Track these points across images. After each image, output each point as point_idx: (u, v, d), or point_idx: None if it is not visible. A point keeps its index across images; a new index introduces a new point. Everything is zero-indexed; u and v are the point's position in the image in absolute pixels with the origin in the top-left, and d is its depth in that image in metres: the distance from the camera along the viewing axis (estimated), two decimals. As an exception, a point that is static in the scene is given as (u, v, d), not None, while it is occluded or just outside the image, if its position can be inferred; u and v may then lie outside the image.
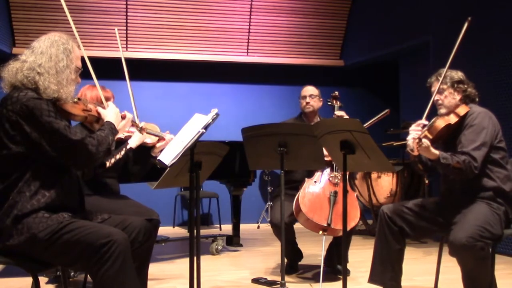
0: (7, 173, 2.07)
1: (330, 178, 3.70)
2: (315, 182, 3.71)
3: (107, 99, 3.13)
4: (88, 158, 2.14)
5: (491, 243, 2.60)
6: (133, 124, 2.80)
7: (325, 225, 3.42)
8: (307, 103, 4.03)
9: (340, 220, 3.45)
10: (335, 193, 3.56)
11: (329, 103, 4.12)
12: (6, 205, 2.05)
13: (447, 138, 2.89)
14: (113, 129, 2.34)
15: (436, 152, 2.70)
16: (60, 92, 2.14)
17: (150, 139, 3.13)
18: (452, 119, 2.82)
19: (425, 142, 2.65)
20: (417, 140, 2.63)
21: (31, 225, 2.02)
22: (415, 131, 2.81)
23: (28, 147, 2.05)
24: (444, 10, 5.54)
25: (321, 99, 4.11)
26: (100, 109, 2.42)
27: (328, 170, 3.74)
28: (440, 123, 2.81)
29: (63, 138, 2.06)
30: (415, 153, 2.69)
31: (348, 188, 3.71)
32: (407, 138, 2.79)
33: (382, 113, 3.91)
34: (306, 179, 3.70)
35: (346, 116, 3.98)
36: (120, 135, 2.78)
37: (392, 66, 7.06)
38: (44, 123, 2.03)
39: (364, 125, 3.84)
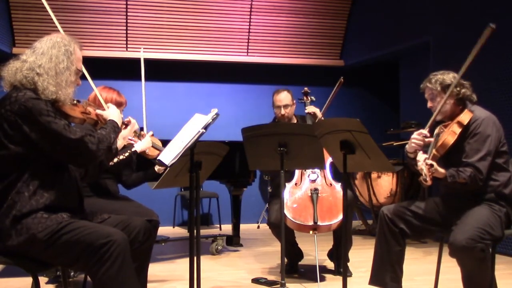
0: (6, 173, 2.07)
1: (308, 176, 3.69)
2: (296, 184, 3.70)
3: (120, 104, 3.13)
4: (89, 156, 2.14)
5: (491, 244, 2.60)
6: (134, 133, 2.80)
7: (312, 224, 3.42)
8: (283, 115, 3.91)
9: (326, 215, 3.47)
10: (316, 190, 3.56)
11: (301, 101, 4.09)
12: (5, 206, 2.04)
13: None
14: (115, 127, 2.35)
15: (443, 171, 2.66)
16: (59, 94, 2.13)
17: (150, 151, 3.13)
18: (457, 130, 2.73)
19: (435, 166, 2.59)
20: (428, 167, 2.53)
21: (30, 226, 2.02)
22: (417, 142, 2.76)
23: (27, 147, 2.05)
24: (444, 10, 5.54)
25: (294, 102, 4.01)
26: (100, 112, 2.42)
27: (307, 170, 3.72)
28: (449, 139, 2.71)
29: (62, 138, 2.05)
30: (429, 183, 2.54)
31: (332, 181, 3.72)
32: (418, 162, 2.65)
33: (337, 84, 3.86)
34: (286, 184, 3.63)
35: (318, 111, 3.94)
36: (124, 142, 2.76)
37: (392, 66, 7.06)
38: (43, 123, 2.03)
39: (325, 105, 3.84)
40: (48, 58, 2.15)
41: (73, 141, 2.07)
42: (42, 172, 2.09)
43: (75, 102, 2.30)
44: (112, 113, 2.42)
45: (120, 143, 2.53)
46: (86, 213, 2.33)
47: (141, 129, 3.25)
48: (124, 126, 2.57)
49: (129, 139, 2.93)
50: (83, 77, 2.42)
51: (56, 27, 2.64)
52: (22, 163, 2.06)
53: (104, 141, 2.20)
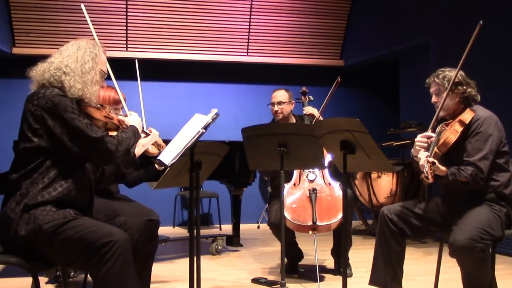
0: (24, 164, 2.13)
1: (307, 176, 3.68)
2: (295, 184, 3.70)
3: (118, 103, 3.12)
4: (107, 155, 2.20)
5: (491, 244, 2.60)
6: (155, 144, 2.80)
7: (311, 224, 3.42)
8: (276, 111, 3.97)
9: (325, 215, 3.46)
10: (314, 190, 3.55)
11: (299, 101, 4.09)
12: (18, 194, 2.10)
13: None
14: (135, 132, 2.41)
15: (444, 169, 2.66)
16: (85, 91, 2.23)
17: (152, 149, 3.11)
18: (459, 128, 2.72)
19: (437, 164, 2.59)
20: (430, 165, 2.53)
21: (37, 217, 2.06)
22: (421, 145, 2.76)
23: (49, 141, 2.12)
24: (444, 10, 5.54)
25: (292, 101, 4.03)
26: (122, 118, 2.49)
27: (306, 170, 3.71)
28: (451, 138, 2.70)
29: (84, 135, 2.12)
30: (430, 180, 2.54)
31: (330, 181, 3.71)
32: (418, 156, 2.69)
33: (334, 84, 3.81)
34: (284, 184, 3.66)
35: (316, 111, 3.95)
36: (143, 150, 2.74)
37: (392, 66, 7.06)
38: (67, 119, 2.11)
39: (322, 105, 3.85)
40: (74, 59, 2.25)
41: (94, 139, 2.14)
42: (59, 167, 2.15)
43: (99, 106, 2.38)
44: (133, 119, 2.49)
45: (138, 150, 2.54)
46: (93, 215, 2.35)
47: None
48: (144, 135, 2.60)
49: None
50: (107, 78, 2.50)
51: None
52: (42, 156, 2.13)
53: (123, 143, 2.26)
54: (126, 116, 2.54)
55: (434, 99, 2.91)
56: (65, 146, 2.13)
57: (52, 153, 2.13)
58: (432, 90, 2.92)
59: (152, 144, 2.82)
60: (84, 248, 2.03)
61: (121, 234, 2.08)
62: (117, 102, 3.09)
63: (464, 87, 2.81)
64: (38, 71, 2.24)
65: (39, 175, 2.11)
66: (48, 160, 2.13)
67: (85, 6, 3.13)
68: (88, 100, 2.26)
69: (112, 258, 2.00)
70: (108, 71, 2.47)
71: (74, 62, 2.24)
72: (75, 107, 2.15)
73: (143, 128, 2.62)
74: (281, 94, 4.00)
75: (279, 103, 3.97)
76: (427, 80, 2.95)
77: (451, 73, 2.84)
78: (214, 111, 2.51)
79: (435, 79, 2.89)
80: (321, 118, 3.87)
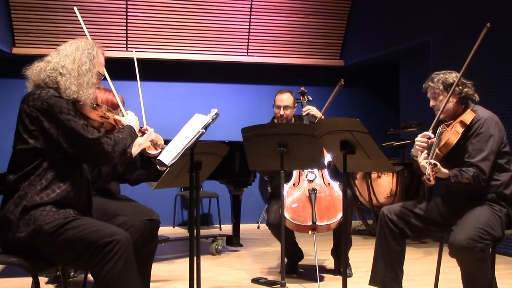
0: (22, 166, 2.12)
1: (306, 176, 3.68)
2: (294, 185, 3.70)
3: (116, 106, 3.11)
4: (104, 157, 2.19)
5: (491, 244, 2.60)
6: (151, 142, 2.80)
7: (311, 224, 3.42)
8: (281, 115, 3.93)
9: (325, 215, 3.46)
10: (314, 190, 3.55)
11: (298, 101, 4.09)
12: (16, 196, 2.09)
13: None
14: (132, 132, 2.40)
15: (446, 171, 2.65)
16: (80, 94, 2.21)
17: (150, 149, 3.11)
18: (460, 129, 2.72)
19: (439, 166, 2.59)
20: (431, 166, 2.52)
21: (37, 217, 2.06)
22: (421, 145, 2.76)
23: (45, 143, 2.11)
24: (444, 10, 5.54)
25: (295, 105, 4.02)
26: (118, 117, 2.47)
27: (305, 170, 3.71)
28: (452, 139, 2.70)
29: (80, 136, 2.12)
30: (432, 182, 2.53)
31: (330, 181, 3.71)
32: (419, 160, 2.69)
33: (337, 87, 3.81)
34: (284, 184, 3.66)
35: (315, 109, 3.95)
36: (140, 149, 2.73)
37: (392, 66, 7.06)
38: (63, 120, 2.10)
39: (324, 106, 3.86)
40: (72, 60, 2.23)
41: (90, 140, 2.13)
42: (56, 169, 2.14)
43: (95, 105, 2.37)
44: (130, 119, 2.48)
45: (135, 149, 2.54)
46: (92, 215, 2.35)
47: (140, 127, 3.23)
48: (140, 134, 2.60)
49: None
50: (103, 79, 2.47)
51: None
52: (38, 157, 2.12)
53: (119, 144, 2.25)
54: (122, 115, 2.53)
55: (432, 103, 2.92)
56: (61, 148, 2.12)
57: (48, 154, 2.12)
58: (428, 94, 2.93)
59: (151, 145, 2.82)
60: (86, 247, 2.03)
61: (123, 234, 2.08)
62: (115, 107, 3.08)
63: (460, 88, 2.81)
64: (34, 71, 2.22)
65: (36, 176, 2.11)
66: (45, 161, 2.12)
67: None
68: (83, 103, 2.24)
69: (114, 257, 2.01)
70: (105, 73, 2.45)
71: (71, 63, 2.22)
72: (70, 108, 2.14)
73: (140, 127, 2.61)
74: (287, 98, 3.95)
75: (286, 107, 3.92)
76: (423, 85, 2.96)
77: (445, 76, 2.85)
78: (214, 111, 2.51)
79: (430, 83, 2.89)
80: (323, 117, 3.87)
